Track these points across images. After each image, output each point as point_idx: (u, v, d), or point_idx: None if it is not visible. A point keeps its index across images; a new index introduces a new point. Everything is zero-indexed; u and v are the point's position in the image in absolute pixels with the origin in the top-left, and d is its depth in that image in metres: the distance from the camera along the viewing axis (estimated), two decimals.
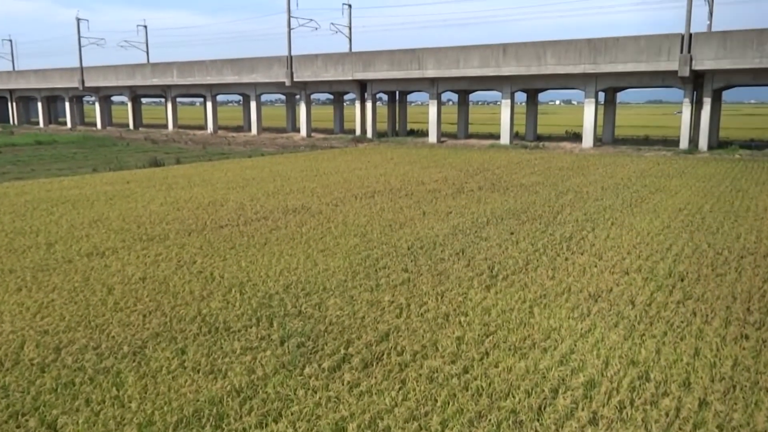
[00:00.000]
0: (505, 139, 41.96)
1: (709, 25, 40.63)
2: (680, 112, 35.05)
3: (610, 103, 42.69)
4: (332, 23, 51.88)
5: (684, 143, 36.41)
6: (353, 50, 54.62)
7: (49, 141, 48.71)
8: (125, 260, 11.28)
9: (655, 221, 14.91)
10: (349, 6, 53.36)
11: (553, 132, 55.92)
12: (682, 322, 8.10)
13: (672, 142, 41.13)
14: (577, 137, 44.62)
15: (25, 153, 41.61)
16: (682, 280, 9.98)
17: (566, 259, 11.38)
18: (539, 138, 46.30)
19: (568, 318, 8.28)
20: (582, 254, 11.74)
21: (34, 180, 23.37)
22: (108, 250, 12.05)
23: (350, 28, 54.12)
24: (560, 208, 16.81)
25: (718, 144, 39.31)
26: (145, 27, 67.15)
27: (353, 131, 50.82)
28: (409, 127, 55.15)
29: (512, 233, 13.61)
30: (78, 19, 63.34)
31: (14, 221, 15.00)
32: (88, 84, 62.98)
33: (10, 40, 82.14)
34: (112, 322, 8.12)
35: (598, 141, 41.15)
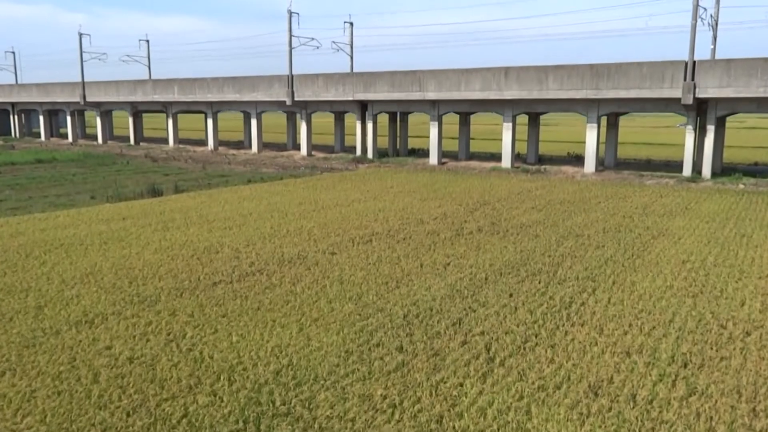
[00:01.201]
0: (506, 162, 41.69)
1: (713, 50, 40.45)
2: (683, 125, 34.57)
3: (612, 126, 42.42)
4: (333, 41, 51.69)
5: (687, 170, 36.11)
6: (355, 67, 54.60)
7: (49, 159, 48.55)
8: (114, 332, 11.02)
9: (658, 279, 14.61)
10: (351, 24, 53.24)
11: (555, 152, 55.64)
12: (685, 428, 7.80)
13: (675, 166, 40.80)
14: (579, 159, 44.32)
15: (25, 173, 41.43)
16: (686, 366, 9.68)
17: (566, 333, 11.09)
18: (541, 160, 46.04)
19: (567, 420, 7.99)
20: (582, 326, 11.45)
21: (30, 215, 23.10)
22: (98, 316, 11.78)
23: (351, 46, 54.02)
24: (560, 259, 16.53)
25: (721, 169, 39.01)
26: (147, 41, 67.21)
27: (354, 148, 50.54)
28: (410, 143, 54.92)
29: (511, 295, 13.33)
30: (80, 34, 63.36)
31: (5, 274, 14.76)
32: (89, 99, 62.91)
33: (13, 52, 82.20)
34: (94, 423, 7.84)
35: (600, 165, 40.86)
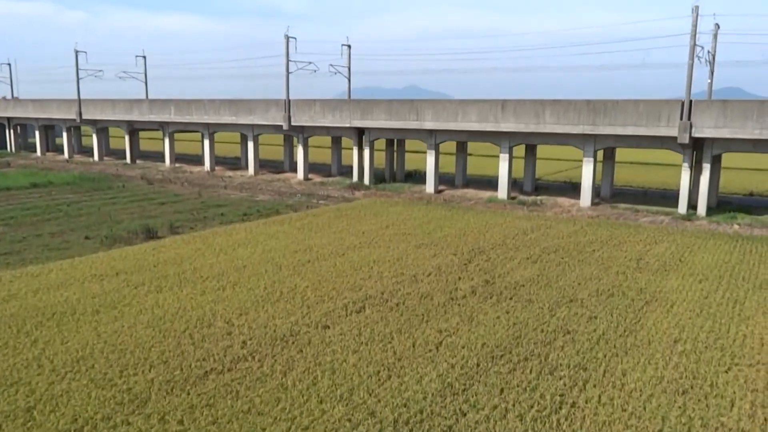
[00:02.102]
0: (502, 193, 41.72)
1: (710, 84, 40.49)
2: None
3: (608, 158, 42.44)
4: (331, 65, 51.66)
5: (682, 207, 36.14)
6: (352, 88, 54.51)
7: (44, 183, 48.41)
8: None
9: (649, 367, 14.63)
10: (348, 47, 53.19)
11: (552, 172, 55.72)
12: None
13: (671, 197, 40.59)
14: (575, 188, 44.22)
15: (20, 201, 41.27)
16: None
17: None
18: (537, 188, 46.06)
19: None
20: None
21: (23, 270, 22.97)
22: (87, 423, 11.75)
23: (349, 69, 53.97)
24: (553, 336, 16.55)
25: (717, 203, 39.06)
26: (144, 57, 67.08)
27: (351, 167, 49.98)
28: (408, 161, 54.87)
29: (502, 391, 13.34)
30: (76, 51, 63.22)
31: None
32: (85, 116, 62.82)
33: (9, 64, 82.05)
34: None
35: (596, 196, 40.86)
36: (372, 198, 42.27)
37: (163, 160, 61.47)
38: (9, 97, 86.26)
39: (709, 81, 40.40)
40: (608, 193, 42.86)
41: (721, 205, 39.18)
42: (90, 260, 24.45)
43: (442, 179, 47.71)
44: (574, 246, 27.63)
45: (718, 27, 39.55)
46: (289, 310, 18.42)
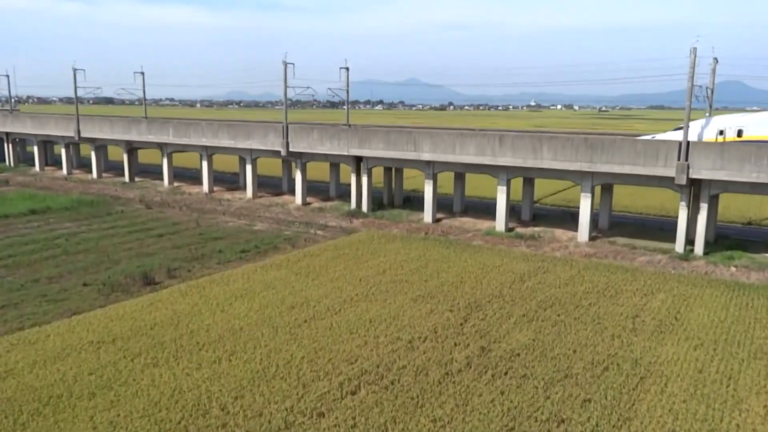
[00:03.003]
0: (500, 224, 41.76)
1: (709, 115, 40.43)
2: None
3: (606, 190, 42.41)
4: (329, 88, 51.57)
5: (680, 246, 36.17)
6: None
7: (42, 209, 48.34)
8: None
9: None
10: (347, 69, 53.08)
11: (550, 197, 55.63)
12: None
13: (669, 229, 40.15)
14: (573, 218, 43.85)
15: (18, 231, 41.29)
16: None
17: None
18: (535, 217, 46.03)
19: None
20: None
21: (20, 334, 22.98)
22: None
23: (348, 91, 53.89)
24: (547, 426, 16.61)
25: (715, 237, 39.00)
26: (143, 73, 66.92)
27: (350, 187, 49.34)
28: (406, 182, 54.82)
29: None
30: (74, 69, 63.08)
31: None
32: (84, 135, 62.77)
33: (7, 76, 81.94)
34: None
35: (594, 227, 40.80)
36: (370, 229, 42.23)
37: (161, 176, 61.26)
38: (8, 106, 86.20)
39: (708, 114, 40.36)
40: (606, 224, 42.88)
41: (719, 239, 39.17)
42: (88, 320, 24.47)
43: (441, 203, 47.56)
44: (570, 298, 27.66)
45: (717, 61, 39.49)
46: (284, 391, 18.48)
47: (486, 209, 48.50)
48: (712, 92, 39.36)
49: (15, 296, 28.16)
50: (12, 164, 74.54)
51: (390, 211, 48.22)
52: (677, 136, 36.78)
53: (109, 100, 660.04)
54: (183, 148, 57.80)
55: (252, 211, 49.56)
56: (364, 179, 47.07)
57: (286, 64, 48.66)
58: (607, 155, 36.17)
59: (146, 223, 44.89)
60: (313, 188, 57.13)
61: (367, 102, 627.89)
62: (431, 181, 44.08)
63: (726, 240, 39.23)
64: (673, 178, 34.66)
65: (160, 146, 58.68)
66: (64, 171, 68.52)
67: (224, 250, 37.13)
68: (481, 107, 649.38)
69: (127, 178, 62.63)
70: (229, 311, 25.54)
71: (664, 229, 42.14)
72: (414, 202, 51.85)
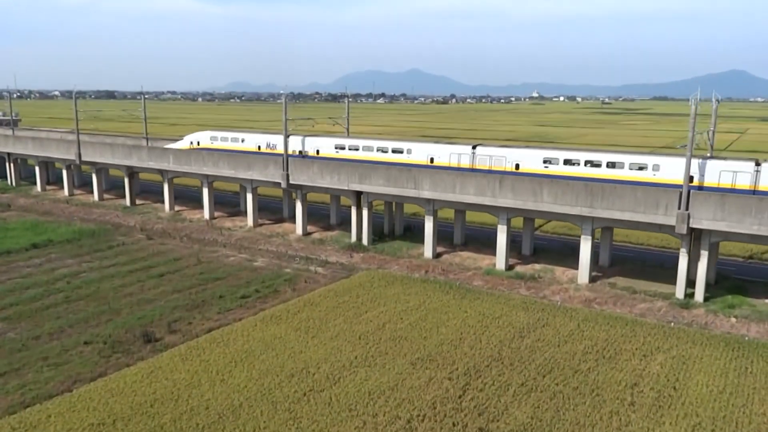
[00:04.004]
0: (500, 263, 41.78)
1: (710, 156, 40.29)
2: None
3: (607, 230, 42.33)
4: (330, 117, 51.48)
5: (680, 292, 36.15)
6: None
7: (44, 242, 48.43)
8: None
9: None
10: (347, 97, 52.90)
11: (551, 226, 55.47)
12: None
13: (670, 266, 39.95)
14: (574, 252, 43.67)
15: (19, 273, 41.38)
16: None
17: None
18: (535, 250, 46.01)
19: None
20: None
21: (21, 416, 23.11)
22: None
23: (347, 119, 53.76)
24: None
25: (715, 278, 38.92)
26: (143, 95, 66.76)
27: (350, 212, 49.19)
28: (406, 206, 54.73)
29: None
30: (75, 93, 62.96)
31: None
32: (84, 158, 62.77)
33: (9, 92, 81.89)
34: None
35: (595, 265, 40.68)
36: (370, 269, 42.20)
37: (162, 197, 60.96)
38: (9, 120, 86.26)
39: (709, 154, 40.19)
40: (607, 261, 42.87)
41: (719, 280, 39.15)
42: (88, 395, 24.57)
43: (441, 232, 47.34)
44: (569, 361, 27.70)
45: (719, 101, 39.27)
46: None
47: (487, 240, 48.46)
48: (714, 133, 39.17)
49: (16, 359, 28.31)
50: (14, 183, 74.65)
51: (391, 244, 48.23)
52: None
53: (110, 94, 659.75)
54: (183, 175, 57.77)
55: (253, 243, 49.59)
56: (365, 212, 47.05)
57: (286, 96, 48.54)
58: (607, 202, 36.10)
59: (147, 259, 44.95)
60: (313, 212, 57.07)
61: (369, 95, 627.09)
62: (431, 217, 44.05)
63: (726, 281, 39.23)
64: (673, 227, 34.56)
65: (161, 172, 58.67)
66: (66, 192, 68.58)
67: (225, 295, 37.21)
68: (483, 99, 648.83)
69: (128, 202, 62.67)
70: (229, 381, 25.63)
71: (664, 266, 42.07)
72: (415, 230, 51.85)
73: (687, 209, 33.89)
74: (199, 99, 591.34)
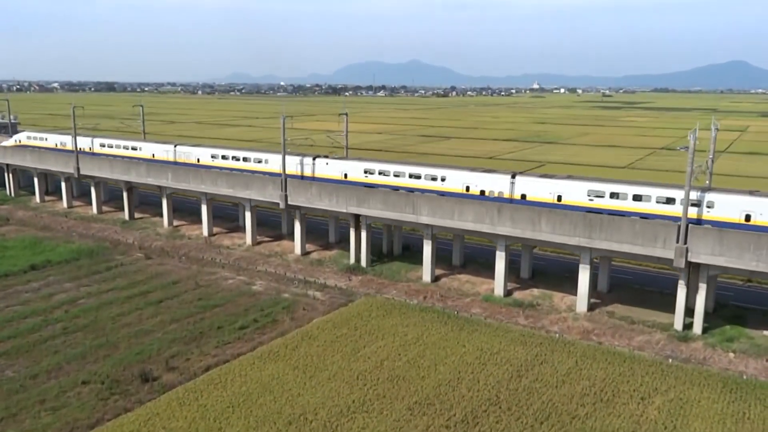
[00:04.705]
0: (499, 289, 41.78)
1: (709, 184, 40.16)
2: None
3: (606, 259, 42.17)
4: (328, 135, 51.31)
5: (678, 324, 36.11)
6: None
7: (42, 263, 48.35)
8: None
9: None
10: (346, 114, 52.73)
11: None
12: None
13: (669, 291, 39.66)
14: (572, 277, 43.49)
15: (17, 299, 41.37)
16: None
17: None
18: (534, 273, 45.93)
19: None
20: None
21: None
22: None
23: (346, 136, 53.60)
24: None
25: (714, 307, 38.85)
26: (141, 106, 66.54)
27: (349, 228, 49.10)
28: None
29: None
30: (73, 108, 62.75)
31: None
32: (83, 172, 62.61)
33: (7, 100, 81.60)
34: None
35: (593, 290, 40.50)
36: (368, 297, 42.08)
37: (161, 210, 60.63)
38: (7, 132, 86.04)
39: (708, 182, 40.06)
40: (606, 286, 42.78)
41: (718, 308, 39.08)
42: None
43: (440, 251, 47.02)
44: (567, 404, 27.71)
45: (718, 129, 39.10)
46: None
47: (486, 260, 48.23)
48: (713, 161, 39.01)
49: (14, 402, 28.33)
50: (12, 194, 74.49)
51: (389, 265, 48.17)
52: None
53: (110, 87, 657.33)
54: (182, 192, 57.67)
55: (251, 263, 49.51)
56: (363, 234, 46.96)
57: (284, 118, 48.31)
58: (605, 233, 36.03)
59: (145, 283, 44.90)
60: (312, 228, 56.70)
61: (370, 88, 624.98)
62: (430, 242, 43.97)
63: (725, 309, 39.19)
64: (672, 260, 34.49)
65: (160, 188, 58.54)
66: (64, 203, 68.48)
67: (223, 326, 37.16)
68: (483, 92, 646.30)
69: (126, 216, 62.56)
70: (227, 430, 25.62)
71: (664, 292, 41.89)
72: (414, 249, 51.70)
73: (685, 243, 33.81)
74: (199, 92, 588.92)
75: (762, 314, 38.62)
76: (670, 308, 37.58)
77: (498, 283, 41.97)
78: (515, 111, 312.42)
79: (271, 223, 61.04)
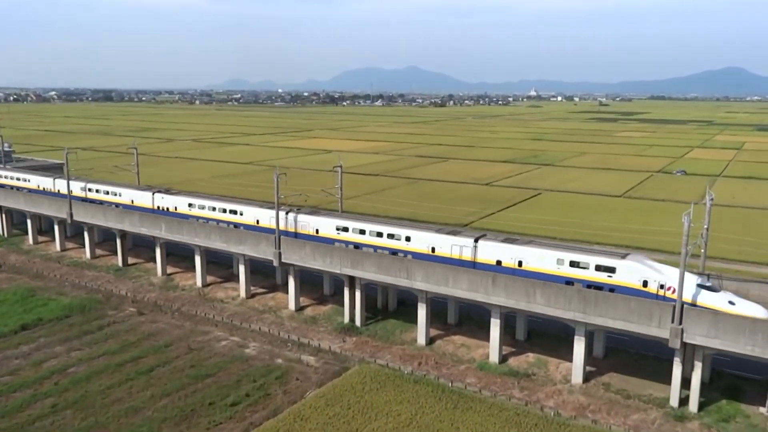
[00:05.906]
0: (494, 356, 41.50)
1: (704, 253, 39.92)
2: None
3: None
4: (323, 189, 51.05)
5: (674, 401, 35.82)
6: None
7: (34, 322, 47.97)
8: None
9: None
10: (340, 166, 52.50)
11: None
12: None
13: (667, 356, 39.08)
14: (569, 339, 43.15)
15: (6, 366, 40.93)
16: None
17: None
18: (530, 334, 45.58)
19: None
20: None
21: None
22: None
23: (341, 188, 53.35)
24: None
25: (710, 377, 38.51)
26: (135, 148, 66.29)
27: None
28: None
29: None
30: (67, 151, 62.45)
31: None
32: (76, 218, 62.26)
33: (1, 136, 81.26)
34: None
35: (589, 355, 40.08)
36: (362, 366, 41.66)
37: (155, 257, 60.22)
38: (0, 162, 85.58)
39: (704, 250, 39.82)
40: (601, 352, 42.45)
41: (714, 378, 38.73)
42: None
43: (435, 306, 46.40)
44: None
45: (712, 200, 38.87)
46: None
47: (481, 318, 47.59)
48: (708, 230, 38.77)
49: None
50: (5, 233, 74.09)
51: (384, 324, 47.86)
52: None
53: (108, 96, 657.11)
54: (176, 243, 57.29)
55: (245, 319, 49.13)
56: (357, 294, 46.63)
57: (277, 175, 48.03)
58: (600, 309, 35.77)
59: (137, 345, 44.53)
60: (307, 279, 55.81)
61: (367, 97, 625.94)
62: (424, 305, 43.67)
63: (721, 379, 38.85)
64: (667, 340, 34.21)
65: (153, 237, 58.19)
66: (57, 246, 68.09)
67: (214, 401, 36.76)
68: (481, 101, 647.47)
69: (120, 263, 62.16)
70: None
71: (660, 357, 41.29)
72: (408, 304, 51.27)
73: (680, 324, 33.53)
74: (197, 101, 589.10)
75: (758, 386, 38.22)
76: (667, 377, 37.22)
77: (493, 349, 41.66)
78: (512, 124, 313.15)
79: (266, 272, 60.43)
